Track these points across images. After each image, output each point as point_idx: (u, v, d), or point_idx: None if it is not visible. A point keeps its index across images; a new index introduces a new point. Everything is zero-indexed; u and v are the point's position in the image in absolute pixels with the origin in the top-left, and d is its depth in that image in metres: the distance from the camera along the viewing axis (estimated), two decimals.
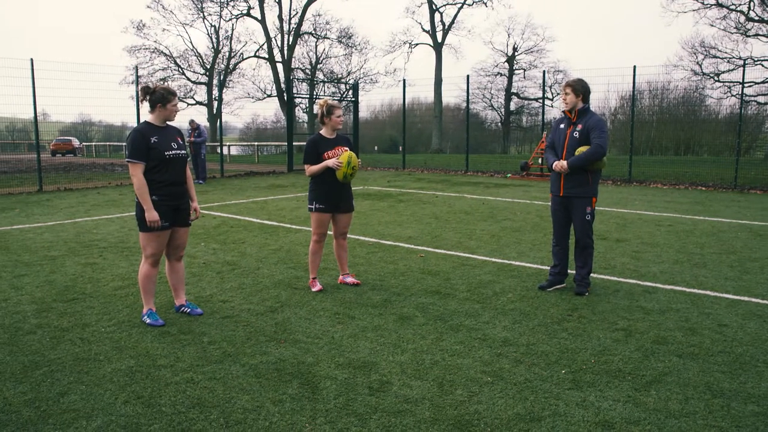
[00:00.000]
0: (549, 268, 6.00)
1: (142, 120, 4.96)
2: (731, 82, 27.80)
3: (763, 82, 25.81)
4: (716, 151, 27.20)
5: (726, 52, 28.77)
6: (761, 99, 27.57)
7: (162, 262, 5.14)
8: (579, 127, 5.48)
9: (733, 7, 27.89)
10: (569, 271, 5.93)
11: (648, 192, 14.68)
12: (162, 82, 35.42)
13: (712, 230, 9.03)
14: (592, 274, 6.14)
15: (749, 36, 28.26)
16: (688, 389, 3.59)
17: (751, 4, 27.48)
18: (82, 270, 6.53)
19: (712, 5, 28.14)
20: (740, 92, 17.26)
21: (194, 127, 17.22)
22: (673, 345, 4.31)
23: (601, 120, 5.50)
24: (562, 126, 5.65)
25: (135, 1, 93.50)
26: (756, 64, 27.01)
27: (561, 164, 5.46)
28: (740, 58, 27.25)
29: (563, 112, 5.66)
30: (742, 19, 28.04)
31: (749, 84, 24.25)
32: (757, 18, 27.61)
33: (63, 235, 8.71)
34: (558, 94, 41.68)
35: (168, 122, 4.78)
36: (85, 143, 43.71)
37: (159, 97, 4.64)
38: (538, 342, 4.37)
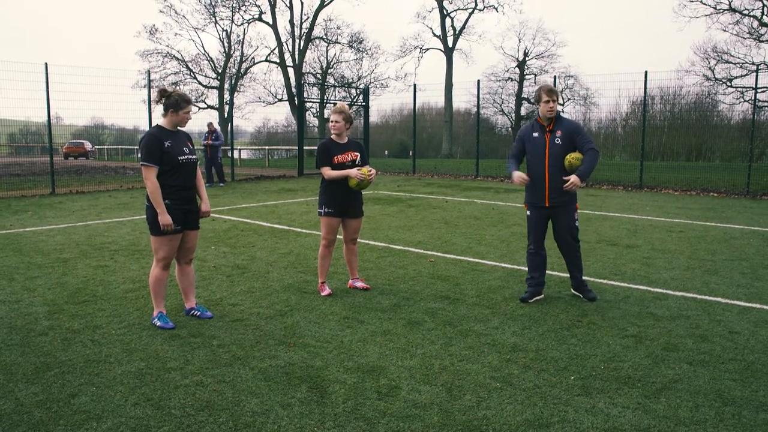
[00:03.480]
0: (526, 279, 5.67)
1: (153, 123, 5.01)
2: (744, 87, 27.62)
3: None
4: (728, 157, 26.94)
5: (739, 58, 28.61)
6: None
7: (172, 266, 5.17)
8: (558, 133, 5.31)
9: (746, 12, 27.72)
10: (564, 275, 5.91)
11: (659, 198, 14.60)
12: (175, 86, 35.67)
13: (723, 237, 8.96)
14: (602, 281, 6.16)
15: (762, 41, 28.08)
16: (699, 397, 3.57)
17: (765, 8, 27.31)
18: (94, 272, 6.59)
19: (724, 10, 27.98)
20: (753, 98, 17.14)
21: (212, 130, 17.35)
22: (683, 352, 4.28)
23: (579, 123, 5.45)
24: (536, 135, 5.40)
25: (147, 6, 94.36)
26: None
27: (575, 181, 5.18)
28: (753, 63, 27.08)
29: (536, 120, 5.44)
30: (755, 24, 27.87)
31: (762, 89, 24.03)
32: None
33: (75, 237, 8.78)
34: (569, 99, 41.70)
35: (179, 128, 4.83)
36: (97, 146, 44.06)
37: (173, 103, 4.68)
38: (548, 348, 4.36)
